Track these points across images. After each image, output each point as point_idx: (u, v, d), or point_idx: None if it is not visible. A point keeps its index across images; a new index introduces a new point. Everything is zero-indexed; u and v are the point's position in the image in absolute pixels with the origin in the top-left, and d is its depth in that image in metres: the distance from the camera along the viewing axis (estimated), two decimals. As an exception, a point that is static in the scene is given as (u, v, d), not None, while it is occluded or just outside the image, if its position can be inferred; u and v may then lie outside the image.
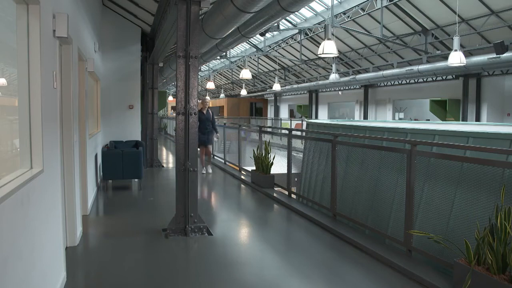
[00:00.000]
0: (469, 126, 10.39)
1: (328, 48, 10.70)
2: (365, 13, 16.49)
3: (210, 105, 10.89)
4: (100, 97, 10.04)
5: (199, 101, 9.07)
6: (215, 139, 11.95)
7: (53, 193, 3.76)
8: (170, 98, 38.94)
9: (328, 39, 10.85)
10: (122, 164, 8.60)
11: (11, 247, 2.46)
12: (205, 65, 26.98)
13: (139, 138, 11.43)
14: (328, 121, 12.86)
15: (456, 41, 11.63)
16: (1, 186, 2.41)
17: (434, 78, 20.03)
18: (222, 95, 37.24)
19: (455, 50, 11.54)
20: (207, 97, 11.95)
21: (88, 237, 5.75)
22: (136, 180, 9.33)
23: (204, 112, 10.89)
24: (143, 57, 12.52)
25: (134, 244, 5.53)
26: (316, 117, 30.33)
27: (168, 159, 16.29)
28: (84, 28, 6.70)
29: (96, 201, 7.90)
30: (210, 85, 24.10)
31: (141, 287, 4.21)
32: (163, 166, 12.77)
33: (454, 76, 18.93)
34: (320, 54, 11.02)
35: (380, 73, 19.60)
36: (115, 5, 10.77)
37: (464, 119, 18.16)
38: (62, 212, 4.36)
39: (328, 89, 28.72)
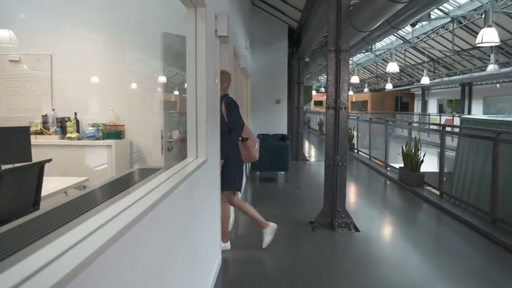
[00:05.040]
0: None
1: (488, 36, 9.75)
2: (533, -6, 14.65)
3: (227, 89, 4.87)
4: (249, 92, 10.53)
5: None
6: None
7: (213, 181, 4.05)
8: (313, 92, 39.21)
9: (489, 26, 9.90)
10: (270, 157, 8.92)
11: (183, 228, 2.73)
12: (349, 59, 26.60)
13: (285, 132, 11.75)
14: (487, 117, 11.75)
15: None
16: (177, 172, 2.68)
17: None
18: (366, 89, 36.38)
19: None
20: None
21: (238, 224, 6.08)
22: (282, 172, 9.60)
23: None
24: (289, 52, 12.81)
25: (282, 234, 5.67)
26: (469, 113, 27.91)
27: (310, 152, 16.46)
28: (238, 27, 7.08)
29: (245, 191, 8.31)
30: (355, 79, 23.68)
31: (287, 274, 4.32)
32: (307, 160, 12.94)
33: None
34: (478, 43, 10.10)
35: (551, 62, 17.27)
36: (264, 3, 11.18)
37: None
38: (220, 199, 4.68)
39: (484, 82, 26.16)
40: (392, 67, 16.53)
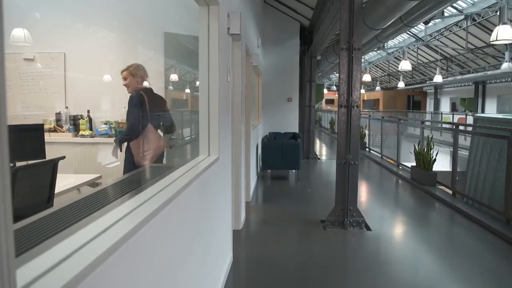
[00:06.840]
0: None
1: (503, 34, 9.63)
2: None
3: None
4: (261, 90, 10.52)
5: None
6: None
7: (225, 180, 4.06)
8: (325, 91, 39.05)
9: (504, 23, 9.77)
10: (281, 155, 8.92)
11: (195, 226, 2.73)
12: (361, 58, 26.40)
13: (296, 130, 11.73)
14: (501, 116, 11.59)
15: None
16: (189, 170, 2.68)
17: None
18: (377, 88, 36.13)
19: None
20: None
21: (249, 223, 6.09)
22: (294, 171, 9.58)
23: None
24: (301, 50, 12.77)
25: (293, 232, 5.69)
26: (483, 111, 27.57)
27: (321, 151, 16.40)
28: (250, 25, 7.07)
29: (256, 189, 8.31)
30: (367, 77, 23.54)
31: (298, 273, 4.31)
32: (319, 159, 12.91)
33: None
34: (492, 41, 9.97)
35: None
36: (276, 2, 11.16)
37: None
38: (232, 197, 4.69)
39: (498, 80, 25.83)
40: (405, 65, 16.42)
